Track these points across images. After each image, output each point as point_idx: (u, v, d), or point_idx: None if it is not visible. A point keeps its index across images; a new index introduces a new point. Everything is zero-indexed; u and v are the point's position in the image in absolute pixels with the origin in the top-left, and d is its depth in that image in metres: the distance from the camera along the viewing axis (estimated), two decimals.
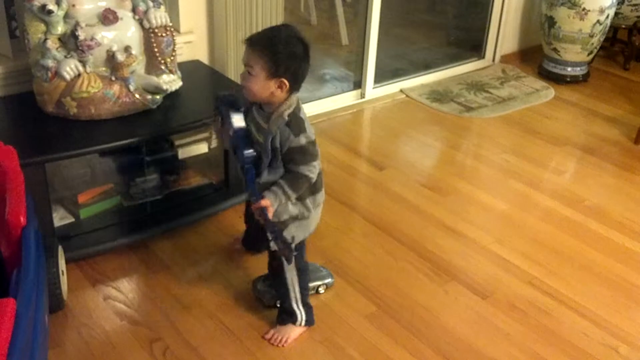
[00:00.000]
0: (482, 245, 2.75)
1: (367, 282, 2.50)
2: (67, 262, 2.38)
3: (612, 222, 2.94)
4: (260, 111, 2.03)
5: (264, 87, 1.94)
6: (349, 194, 3.08)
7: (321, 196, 2.13)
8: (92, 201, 2.64)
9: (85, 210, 2.61)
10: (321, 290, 2.42)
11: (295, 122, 1.97)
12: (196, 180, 2.86)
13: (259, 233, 2.12)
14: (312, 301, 2.38)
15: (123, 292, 2.41)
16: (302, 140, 1.96)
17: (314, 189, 2.07)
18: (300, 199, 2.05)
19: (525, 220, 2.94)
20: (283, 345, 2.18)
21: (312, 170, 1.98)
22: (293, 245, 2.06)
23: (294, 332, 2.21)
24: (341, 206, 2.97)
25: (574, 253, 2.73)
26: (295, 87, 1.97)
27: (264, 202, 1.92)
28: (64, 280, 2.30)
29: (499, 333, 2.30)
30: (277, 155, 1.98)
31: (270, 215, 1.92)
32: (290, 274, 2.14)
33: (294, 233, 2.09)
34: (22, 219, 1.85)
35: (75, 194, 2.61)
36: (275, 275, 2.19)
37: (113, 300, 2.37)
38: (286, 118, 1.96)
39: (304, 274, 2.19)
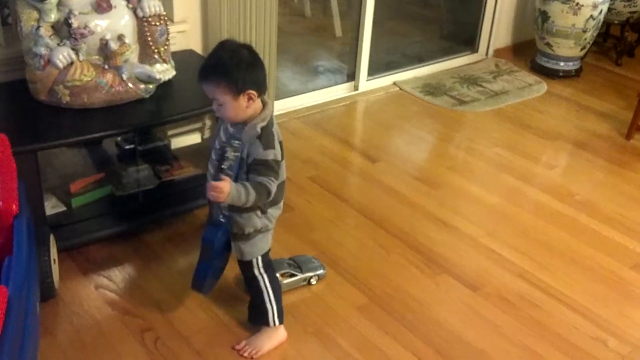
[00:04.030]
0: (473, 238, 2.76)
1: (358, 274, 2.51)
2: (58, 251, 2.38)
3: (603, 216, 2.96)
4: (235, 125, 2.02)
5: (237, 107, 1.94)
6: (341, 186, 3.08)
7: (279, 209, 2.13)
8: (84, 190, 2.63)
9: (77, 199, 2.60)
10: (313, 281, 2.43)
11: (266, 136, 1.97)
12: (188, 171, 2.85)
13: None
14: (304, 292, 2.40)
15: (114, 281, 2.40)
16: (270, 155, 1.96)
17: (275, 201, 2.07)
18: (264, 212, 2.05)
19: (516, 214, 2.95)
20: (252, 358, 2.12)
21: (271, 184, 1.96)
22: (259, 258, 2.09)
23: (266, 344, 2.15)
24: (333, 198, 2.97)
25: (565, 247, 2.75)
26: (262, 91, 1.98)
27: (222, 184, 1.86)
28: (55, 268, 2.29)
29: (489, 325, 2.32)
30: (243, 167, 1.98)
31: (220, 200, 1.89)
32: (260, 273, 2.12)
33: (259, 246, 2.09)
34: (14, 207, 1.85)
35: (67, 182, 2.61)
36: (246, 277, 2.16)
37: (104, 289, 2.37)
38: (258, 130, 1.96)
39: (271, 274, 2.15)
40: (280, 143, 2.02)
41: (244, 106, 1.94)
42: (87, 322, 2.22)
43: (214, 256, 2.06)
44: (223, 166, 2.01)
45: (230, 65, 1.92)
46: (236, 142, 1.99)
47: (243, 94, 1.92)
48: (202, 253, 2.08)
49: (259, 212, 2.03)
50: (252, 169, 1.96)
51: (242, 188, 1.91)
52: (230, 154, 2.00)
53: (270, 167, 1.96)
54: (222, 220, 2.04)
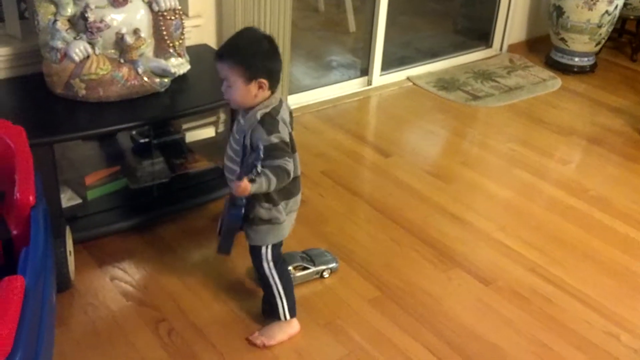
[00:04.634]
0: (485, 232, 2.76)
1: (371, 268, 2.52)
2: (74, 242, 2.40)
3: (616, 212, 2.95)
4: (242, 111, 2.04)
5: (246, 93, 1.96)
6: (354, 181, 3.09)
7: (295, 203, 2.13)
8: (99, 183, 2.66)
9: (93, 191, 2.63)
10: (326, 274, 2.44)
11: (269, 122, 1.97)
12: (203, 164, 2.87)
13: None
14: (317, 285, 2.41)
15: (129, 273, 2.43)
16: (274, 139, 1.95)
17: (288, 194, 2.07)
18: (274, 204, 2.05)
19: (529, 209, 2.95)
20: (264, 346, 2.14)
21: (288, 164, 1.96)
22: (268, 248, 2.09)
23: (278, 335, 2.17)
24: (346, 192, 2.98)
25: (578, 242, 2.74)
26: (274, 82, 1.99)
27: (245, 182, 1.88)
28: (71, 260, 2.32)
29: (502, 320, 2.32)
30: (246, 153, 1.98)
31: (245, 194, 1.93)
32: (269, 268, 2.13)
33: (267, 236, 2.09)
34: (31, 198, 1.86)
35: (82, 175, 2.63)
36: (257, 270, 2.17)
37: (119, 280, 2.39)
38: (258, 117, 1.96)
39: (281, 269, 2.15)
40: (290, 134, 2.03)
41: (252, 93, 1.96)
42: (102, 313, 2.24)
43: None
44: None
45: (249, 50, 1.94)
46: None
47: (255, 81, 1.94)
48: (228, 228, 2.09)
49: (264, 203, 2.02)
50: (267, 156, 1.93)
51: (263, 177, 1.92)
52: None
53: (281, 149, 1.96)
54: (244, 201, 2.05)
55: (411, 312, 2.32)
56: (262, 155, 1.86)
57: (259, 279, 2.20)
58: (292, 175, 1.99)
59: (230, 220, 2.07)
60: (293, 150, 2.05)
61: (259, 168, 1.87)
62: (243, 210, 2.04)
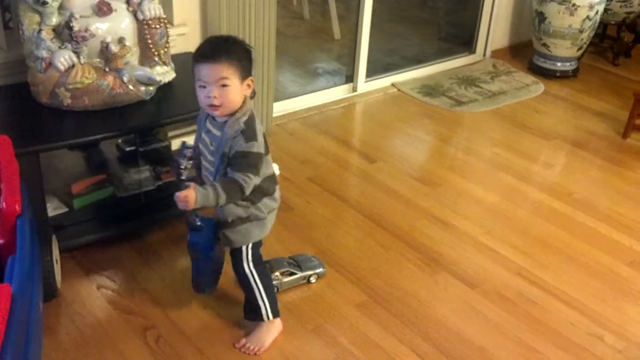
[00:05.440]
0: (471, 236, 2.78)
1: (358, 272, 2.53)
2: (60, 251, 2.40)
3: (600, 214, 2.98)
4: (213, 121, 2.03)
5: (239, 93, 1.96)
6: (340, 186, 3.11)
7: (274, 201, 2.12)
8: (86, 191, 2.66)
9: (79, 200, 2.63)
10: (313, 279, 2.45)
11: (250, 129, 1.96)
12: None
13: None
14: (304, 291, 2.42)
15: (116, 281, 2.43)
16: (253, 147, 1.94)
17: (265, 192, 2.06)
18: (252, 203, 2.04)
19: (514, 213, 2.97)
20: (256, 354, 2.14)
21: (247, 181, 1.93)
22: (248, 248, 2.09)
23: (267, 339, 2.17)
24: (333, 198, 3.00)
25: (562, 245, 2.77)
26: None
27: (186, 193, 1.87)
28: (57, 269, 2.31)
29: (488, 322, 2.34)
30: (224, 161, 1.97)
31: (190, 208, 1.91)
32: (249, 269, 2.13)
33: (248, 235, 2.08)
34: (17, 207, 1.87)
35: (69, 184, 2.63)
36: (237, 273, 2.17)
37: (106, 289, 2.39)
38: (242, 125, 1.95)
39: (261, 270, 2.16)
40: (264, 135, 2.03)
41: (243, 93, 1.96)
42: (89, 322, 2.24)
43: (205, 254, 2.09)
44: (182, 177, 1.99)
45: (237, 48, 1.96)
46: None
47: (246, 80, 1.96)
48: (193, 257, 2.11)
49: (240, 201, 2.00)
50: (232, 162, 1.94)
51: (211, 190, 1.90)
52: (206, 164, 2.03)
53: (250, 162, 1.94)
54: (199, 224, 2.04)
55: (398, 316, 2.34)
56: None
57: (240, 283, 2.19)
58: (246, 194, 1.96)
59: (192, 250, 2.05)
60: (266, 152, 2.04)
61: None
62: (204, 232, 2.03)
